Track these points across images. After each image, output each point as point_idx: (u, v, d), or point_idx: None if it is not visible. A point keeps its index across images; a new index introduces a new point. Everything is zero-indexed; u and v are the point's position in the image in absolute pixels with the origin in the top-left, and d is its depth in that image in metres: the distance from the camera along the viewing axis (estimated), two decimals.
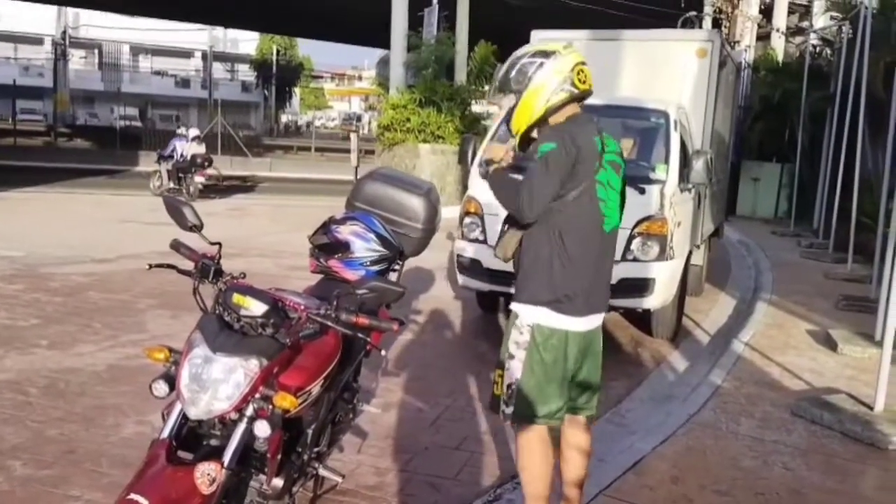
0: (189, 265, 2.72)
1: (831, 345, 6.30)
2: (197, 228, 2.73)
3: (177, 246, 2.76)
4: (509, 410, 2.84)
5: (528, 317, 2.80)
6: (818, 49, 17.20)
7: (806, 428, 4.55)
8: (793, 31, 19.95)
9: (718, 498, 3.59)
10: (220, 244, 2.74)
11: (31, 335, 5.69)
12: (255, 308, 2.43)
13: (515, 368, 2.81)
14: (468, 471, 3.89)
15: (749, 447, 4.22)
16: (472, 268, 6.09)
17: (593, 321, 2.89)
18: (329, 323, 2.54)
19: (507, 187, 2.73)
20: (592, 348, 2.93)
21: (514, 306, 2.86)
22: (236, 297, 2.45)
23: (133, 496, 2.16)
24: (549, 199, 2.65)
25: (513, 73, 2.77)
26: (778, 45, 19.80)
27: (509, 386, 2.82)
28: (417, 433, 4.32)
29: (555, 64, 2.73)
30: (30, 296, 6.88)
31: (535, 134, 2.82)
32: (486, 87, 17.32)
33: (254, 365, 2.36)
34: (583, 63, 2.79)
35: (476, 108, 18.28)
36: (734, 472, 3.89)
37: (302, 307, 2.58)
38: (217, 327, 2.46)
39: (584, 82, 2.78)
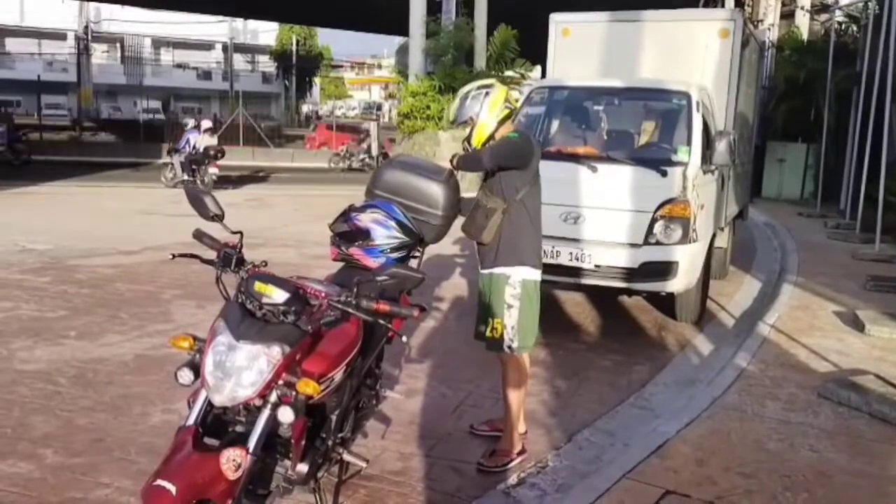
0: (212, 255, 2.74)
1: (858, 326, 6.22)
2: (218, 218, 2.75)
3: (199, 236, 2.78)
4: (516, 344, 3.75)
5: (518, 275, 3.72)
6: (844, 26, 16.91)
7: (832, 410, 4.50)
8: (817, 9, 19.58)
9: (743, 480, 3.57)
10: (241, 233, 2.76)
11: (59, 326, 5.78)
12: (277, 296, 2.45)
13: (514, 315, 3.72)
14: None
15: (774, 429, 4.19)
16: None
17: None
18: (350, 310, 2.55)
19: (472, 156, 3.75)
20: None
21: (503, 270, 3.72)
22: (258, 286, 2.47)
23: (160, 482, 2.20)
24: (501, 161, 3.65)
25: (467, 104, 3.76)
26: (802, 23, 19.47)
27: (512, 328, 3.72)
28: (441, 419, 4.34)
29: (494, 93, 3.74)
30: (57, 288, 6.98)
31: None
32: (507, 73, 17.23)
33: (276, 352, 2.38)
34: (510, 89, 3.86)
35: None
36: (759, 455, 3.86)
37: (323, 294, 2.60)
38: (240, 315, 2.48)
39: (516, 100, 4.00)
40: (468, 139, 3.77)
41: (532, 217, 3.76)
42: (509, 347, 3.75)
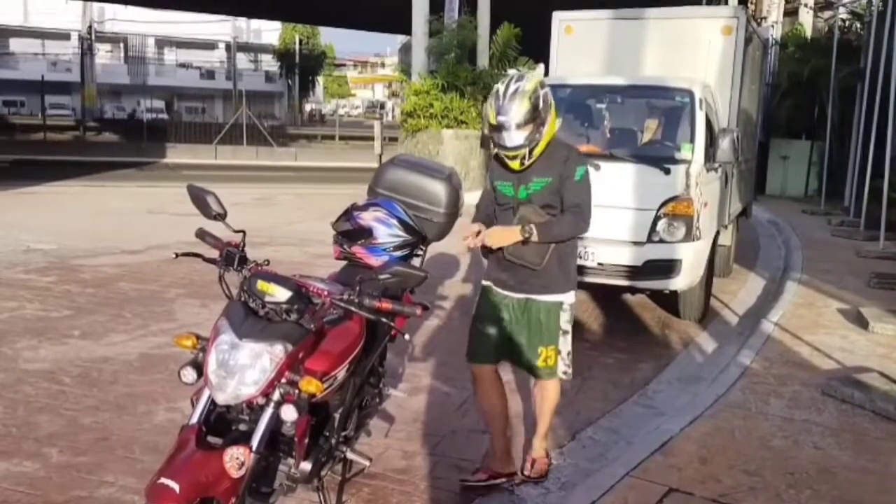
0: (214, 253, 2.75)
1: (862, 323, 6.21)
2: (221, 217, 2.76)
3: (202, 235, 2.79)
4: (571, 370, 3.57)
5: (570, 299, 3.49)
6: (847, 23, 16.87)
7: (836, 407, 4.50)
8: (821, 6, 19.55)
9: (747, 478, 3.57)
10: (244, 232, 2.77)
11: (63, 325, 5.80)
12: (280, 294, 2.45)
13: (569, 340, 3.52)
14: None
15: (778, 427, 4.18)
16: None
17: None
18: (352, 308, 2.56)
19: (565, 224, 3.30)
20: None
21: (558, 297, 3.44)
22: (261, 284, 2.47)
23: (163, 480, 2.20)
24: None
25: (541, 104, 3.23)
26: (806, 20, 19.43)
27: (568, 353, 3.52)
28: (444, 417, 4.35)
29: (548, 88, 3.32)
30: (62, 287, 7.00)
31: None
32: (510, 71, 17.17)
33: (279, 350, 2.39)
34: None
35: None
36: (763, 452, 3.86)
37: (325, 293, 2.60)
38: (243, 314, 2.48)
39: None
40: (530, 144, 3.23)
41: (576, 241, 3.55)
42: (564, 373, 3.55)
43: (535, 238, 3.20)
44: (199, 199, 2.77)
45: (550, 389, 3.61)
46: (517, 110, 3.19)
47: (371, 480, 3.49)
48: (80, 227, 10.57)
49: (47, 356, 5.11)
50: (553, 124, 3.28)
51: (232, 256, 2.69)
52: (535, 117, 3.20)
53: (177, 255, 2.82)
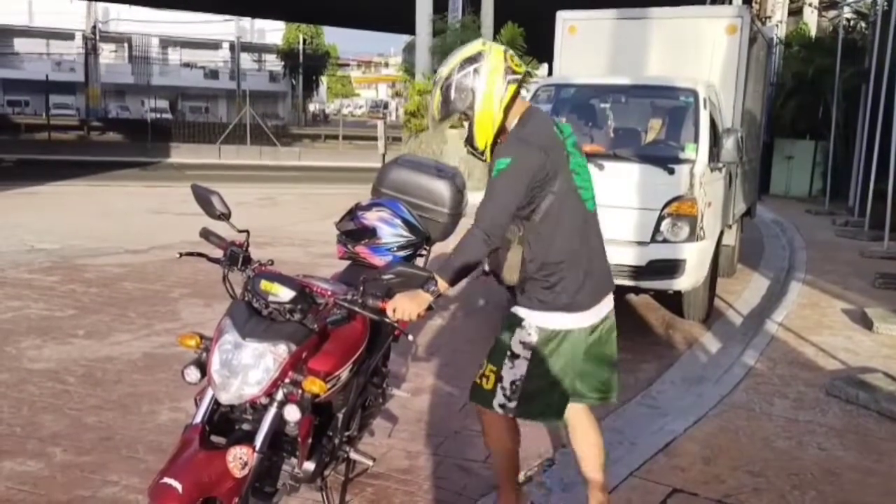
0: (218, 253, 2.75)
1: (867, 323, 6.19)
2: (225, 217, 2.75)
3: (206, 234, 2.79)
4: (513, 407, 2.82)
5: (540, 321, 2.80)
6: (852, 23, 16.81)
7: (841, 408, 4.49)
8: (826, 5, 19.49)
9: (751, 479, 3.56)
10: (247, 232, 2.77)
11: (68, 325, 5.81)
12: (283, 294, 2.45)
13: (517, 371, 2.83)
14: None
15: (783, 428, 4.18)
16: None
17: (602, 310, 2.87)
18: (356, 308, 2.56)
19: (468, 246, 2.60)
20: None
21: (522, 311, 2.82)
22: (264, 284, 2.47)
23: (166, 480, 2.20)
24: (513, 212, 2.61)
25: (453, 95, 2.62)
26: (810, 19, 19.38)
27: (513, 384, 2.82)
28: (447, 417, 4.34)
29: (488, 63, 2.62)
30: (66, 287, 7.01)
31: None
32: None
33: (282, 350, 2.39)
34: (506, 49, 2.72)
35: None
36: (767, 453, 3.85)
37: (329, 293, 2.60)
38: (246, 314, 2.48)
39: (519, 65, 2.69)
40: (469, 141, 2.69)
41: (564, 238, 2.73)
42: (501, 407, 2.80)
43: (441, 289, 2.59)
44: (203, 198, 2.77)
45: (482, 422, 2.96)
46: (432, 104, 2.70)
47: (374, 480, 3.49)
48: (84, 226, 10.59)
49: (51, 356, 5.12)
50: (486, 108, 2.61)
51: (236, 256, 2.69)
52: (452, 110, 2.65)
53: (181, 255, 2.82)
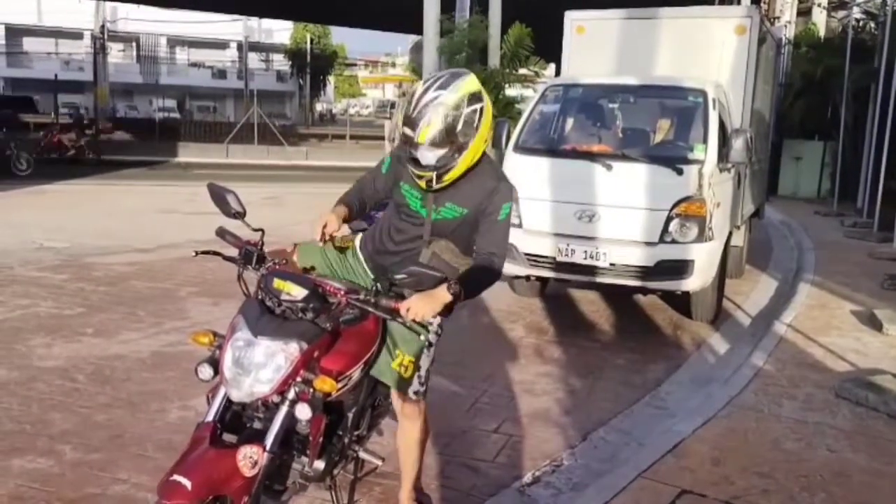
0: (233, 252, 2.75)
1: (876, 325, 6.17)
2: (240, 215, 2.76)
3: (222, 233, 2.79)
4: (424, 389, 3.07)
5: None
6: (861, 23, 16.75)
7: (850, 409, 4.47)
8: (835, 6, 19.41)
9: (760, 480, 3.56)
10: (262, 231, 2.77)
11: (77, 323, 5.83)
12: (296, 293, 2.45)
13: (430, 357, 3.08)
14: (506, 454, 3.91)
15: (791, 429, 4.16)
16: (508, 253, 6.08)
17: None
18: (368, 308, 2.56)
19: (482, 278, 2.73)
20: None
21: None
22: (277, 282, 2.48)
23: (176, 477, 2.21)
24: None
25: (459, 126, 2.56)
26: (819, 19, 19.32)
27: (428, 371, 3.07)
28: (455, 417, 4.34)
29: (487, 104, 2.66)
30: (75, 285, 7.04)
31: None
32: (521, 71, 17.18)
33: (294, 349, 2.39)
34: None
35: (509, 91, 18.14)
36: (776, 455, 3.84)
37: (342, 292, 2.60)
38: (259, 312, 2.49)
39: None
40: (445, 169, 2.62)
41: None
42: (416, 393, 3.00)
43: (461, 299, 2.57)
44: (218, 196, 2.77)
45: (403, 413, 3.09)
46: (425, 128, 2.56)
47: (383, 479, 3.49)
48: (93, 225, 10.63)
49: (61, 354, 5.14)
50: (477, 148, 2.65)
51: (250, 255, 2.70)
52: (449, 141, 2.57)
53: (196, 254, 2.82)
